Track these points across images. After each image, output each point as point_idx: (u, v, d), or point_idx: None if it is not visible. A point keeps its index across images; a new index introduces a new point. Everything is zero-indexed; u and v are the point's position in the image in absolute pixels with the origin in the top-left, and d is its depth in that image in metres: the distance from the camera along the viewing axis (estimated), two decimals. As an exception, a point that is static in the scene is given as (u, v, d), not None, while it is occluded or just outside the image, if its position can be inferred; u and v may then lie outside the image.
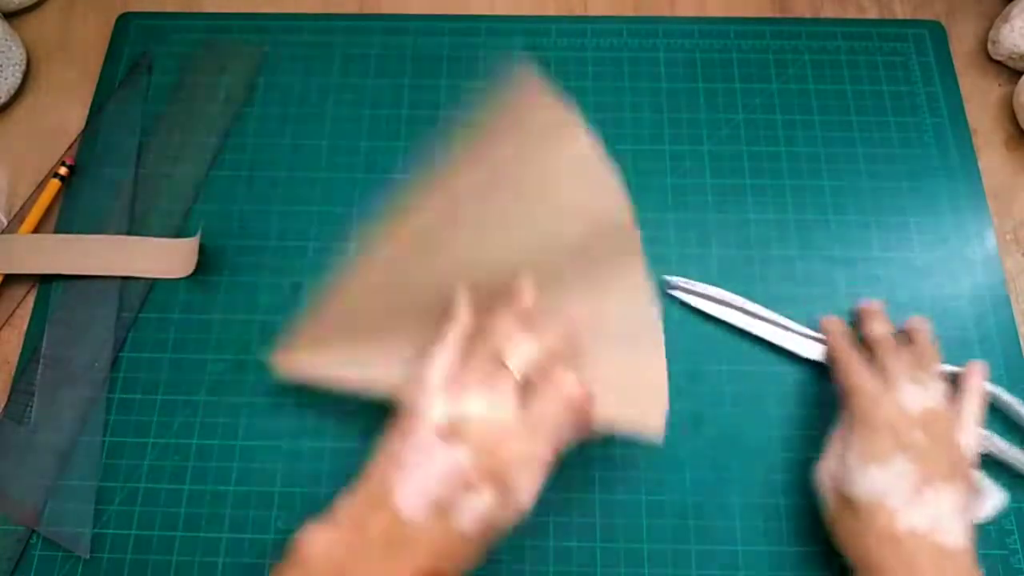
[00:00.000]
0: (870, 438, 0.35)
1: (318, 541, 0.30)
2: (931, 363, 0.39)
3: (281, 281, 0.44)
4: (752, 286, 0.44)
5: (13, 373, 0.42)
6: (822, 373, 0.42)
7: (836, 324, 0.42)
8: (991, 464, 0.39)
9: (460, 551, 0.31)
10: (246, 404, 0.41)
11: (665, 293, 0.43)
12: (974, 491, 0.36)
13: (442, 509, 0.30)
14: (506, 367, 0.32)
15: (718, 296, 0.43)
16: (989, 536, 0.39)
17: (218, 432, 0.41)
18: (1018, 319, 0.43)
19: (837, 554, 0.36)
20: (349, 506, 0.31)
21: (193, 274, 0.44)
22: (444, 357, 0.33)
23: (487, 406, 0.32)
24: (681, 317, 0.43)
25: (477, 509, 0.30)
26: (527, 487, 0.31)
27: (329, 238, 0.45)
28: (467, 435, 0.31)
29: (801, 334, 0.42)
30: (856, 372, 0.38)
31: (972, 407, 0.38)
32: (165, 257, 0.45)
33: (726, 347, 0.43)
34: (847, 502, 0.35)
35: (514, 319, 0.35)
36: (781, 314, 0.43)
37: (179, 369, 0.42)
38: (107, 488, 0.40)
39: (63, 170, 0.46)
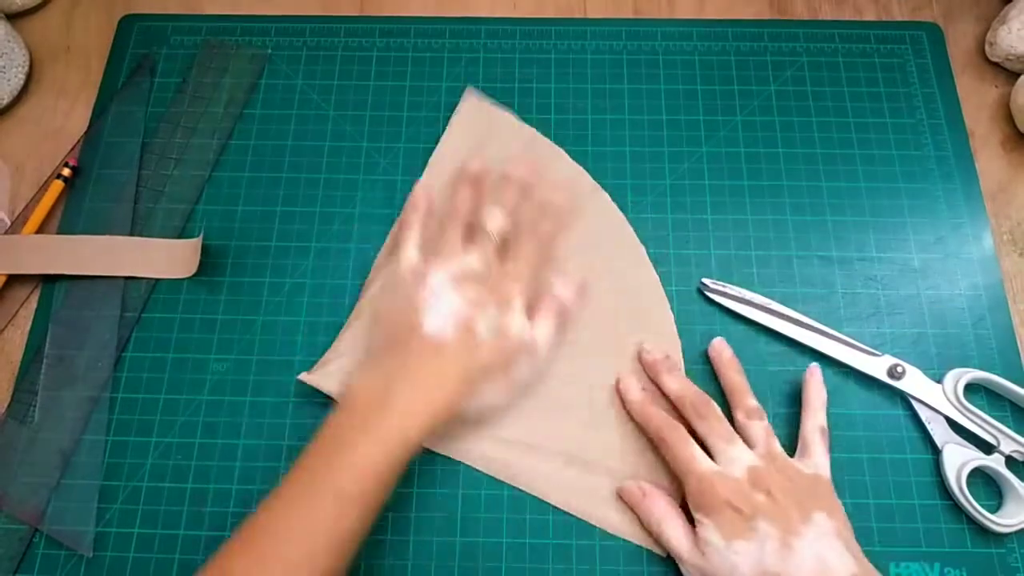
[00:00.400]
0: (721, 520, 0.35)
1: (361, 379, 0.37)
2: (742, 401, 0.39)
3: (283, 281, 0.45)
4: (750, 287, 0.44)
5: (16, 373, 0.43)
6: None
7: (636, 392, 0.40)
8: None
9: (485, 361, 0.37)
10: (248, 403, 0.42)
11: (701, 294, 0.44)
12: (837, 507, 0.36)
13: (464, 325, 0.37)
14: (485, 230, 0.40)
15: (752, 299, 0.43)
16: (987, 534, 0.39)
17: (220, 431, 0.41)
18: (1015, 320, 0.43)
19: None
20: (380, 349, 0.38)
21: (196, 274, 0.45)
22: (415, 235, 0.41)
23: (477, 260, 0.39)
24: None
25: (491, 319, 0.38)
26: (520, 302, 0.39)
27: (331, 238, 0.46)
28: (469, 281, 0.38)
29: (833, 338, 0.42)
30: (682, 454, 0.37)
31: (812, 423, 0.39)
32: (168, 257, 0.45)
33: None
34: None
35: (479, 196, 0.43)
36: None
37: (182, 368, 0.42)
38: (110, 487, 0.40)
39: (66, 171, 0.47)
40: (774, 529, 0.34)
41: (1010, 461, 0.39)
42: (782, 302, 0.43)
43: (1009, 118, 0.49)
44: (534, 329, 0.39)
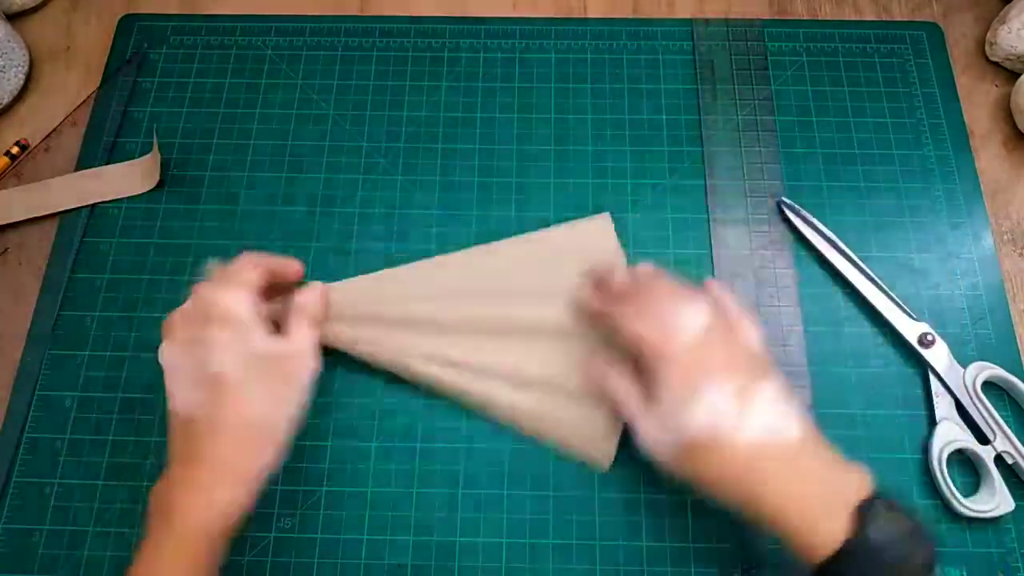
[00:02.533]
0: (677, 377, 0.33)
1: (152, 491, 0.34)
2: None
3: (282, 281, 0.45)
4: (751, 286, 0.44)
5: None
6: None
7: (588, 286, 0.39)
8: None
9: (254, 398, 0.34)
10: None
11: (778, 210, 0.46)
12: (779, 379, 0.35)
13: (209, 380, 0.34)
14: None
15: (827, 233, 0.44)
16: (987, 534, 0.39)
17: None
18: (1015, 319, 0.43)
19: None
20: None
21: (197, 274, 0.44)
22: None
23: (188, 302, 0.37)
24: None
25: (232, 347, 0.35)
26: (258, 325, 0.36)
27: (331, 238, 0.46)
28: (181, 326, 0.36)
29: (895, 302, 0.43)
30: (630, 320, 0.35)
31: (730, 307, 0.37)
32: (127, 177, 0.47)
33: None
34: (687, 450, 0.33)
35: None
36: (781, 315, 0.43)
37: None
38: (110, 487, 0.40)
39: (15, 148, 0.48)
40: (730, 385, 0.33)
41: (998, 458, 0.40)
42: (782, 302, 0.43)
43: (1009, 117, 0.49)
44: (291, 337, 0.37)
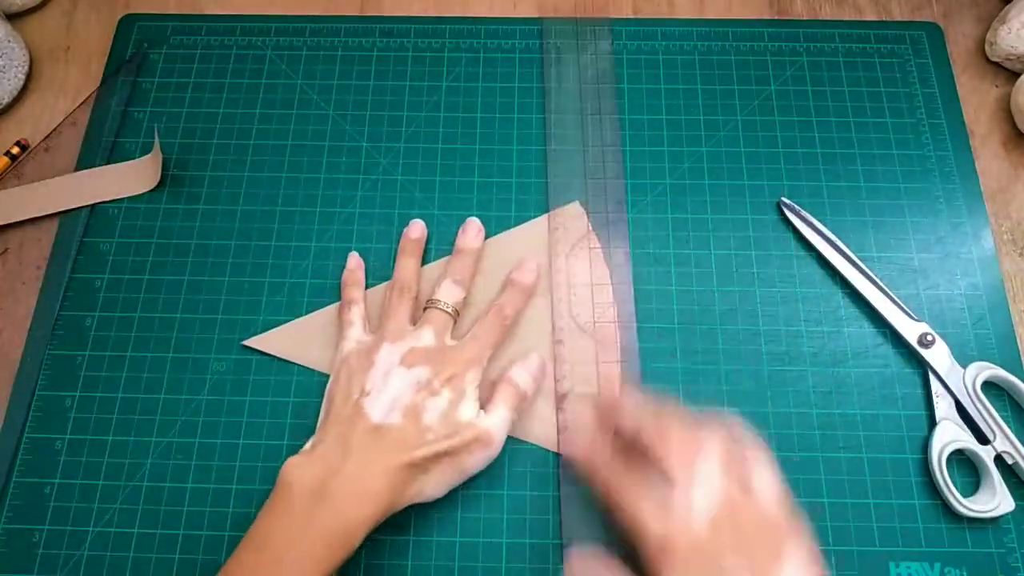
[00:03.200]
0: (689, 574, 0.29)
1: (297, 465, 0.34)
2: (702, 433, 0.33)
3: (283, 281, 0.45)
4: (751, 286, 0.44)
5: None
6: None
7: (587, 453, 0.35)
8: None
9: (432, 451, 0.35)
10: (248, 403, 0.42)
11: (778, 210, 0.46)
12: (800, 543, 0.31)
13: (412, 411, 0.36)
14: (437, 308, 0.40)
15: (826, 233, 0.44)
16: (987, 534, 0.39)
17: (220, 431, 0.41)
18: (1015, 319, 0.43)
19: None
20: (321, 435, 0.36)
21: (196, 275, 0.45)
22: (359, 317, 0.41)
23: (429, 336, 0.38)
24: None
25: (440, 407, 0.36)
26: (474, 387, 0.38)
27: (331, 238, 0.46)
28: (419, 361, 0.37)
29: (895, 302, 0.43)
30: (633, 498, 0.31)
31: (753, 452, 0.33)
32: (128, 177, 0.47)
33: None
34: None
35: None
36: (781, 315, 0.43)
37: (182, 368, 0.43)
38: (110, 487, 0.40)
39: (15, 148, 0.48)
40: (748, 572, 0.29)
41: (998, 458, 0.40)
42: (780, 302, 0.43)
43: (1009, 118, 0.49)
44: (488, 417, 0.37)
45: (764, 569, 0.29)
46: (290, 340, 0.43)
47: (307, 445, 0.36)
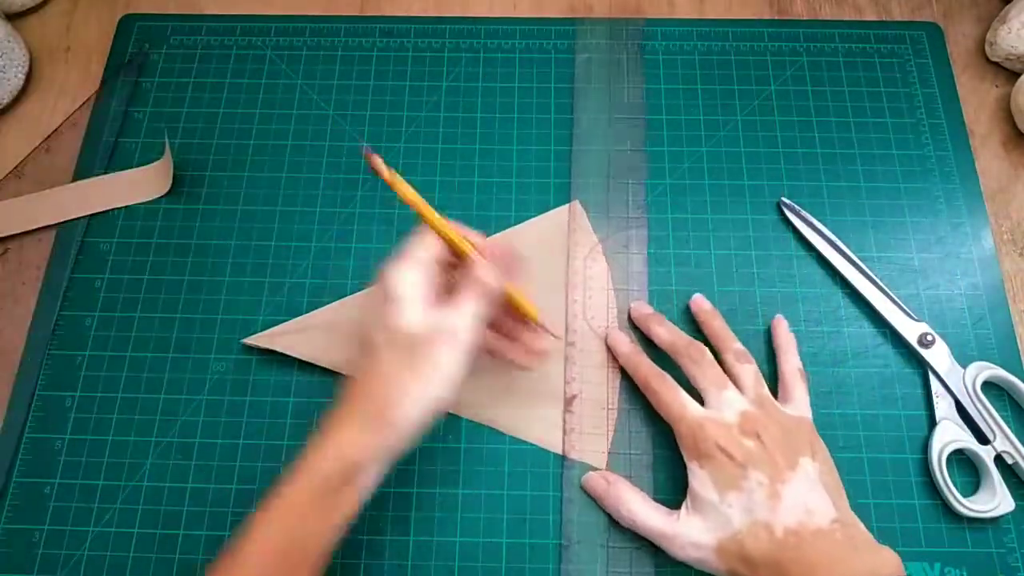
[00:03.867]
0: (714, 467, 0.35)
1: (356, 375, 0.34)
2: (729, 345, 0.40)
3: (283, 281, 0.45)
4: (751, 286, 0.44)
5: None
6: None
7: (626, 345, 0.42)
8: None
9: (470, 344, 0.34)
10: (248, 403, 0.42)
11: (778, 210, 0.46)
12: (820, 447, 0.37)
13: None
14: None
15: (826, 233, 0.44)
16: (987, 534, 0.39)
17: (220, 431, 0.41)
18: (1015, 319, 0.43)
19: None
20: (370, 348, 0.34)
21: (196, 275, 0.45)
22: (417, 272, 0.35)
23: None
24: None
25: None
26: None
27: (331, 238, 0.46)
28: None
29: (895, 302, 0.43)
30: (673, 400, 0.38)
31: (790, 366, 0.40)
32: (139, 184, 0.46)
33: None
34: (725, 546, 0.34)
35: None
36: (783, 315, 0.43)
37: (183, 369, 0.43)
38: (110, 487, 0.40)
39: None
40: (764, 477, 0.34)
41: (998, 458, 0.40)
42: (780, 302, 0.43)
43: (1009, 118, 0.49)
44: (459, 311, 0.35)
45: (782, 473, 0.34)
46: (292, 336, 0.43)
47: None
